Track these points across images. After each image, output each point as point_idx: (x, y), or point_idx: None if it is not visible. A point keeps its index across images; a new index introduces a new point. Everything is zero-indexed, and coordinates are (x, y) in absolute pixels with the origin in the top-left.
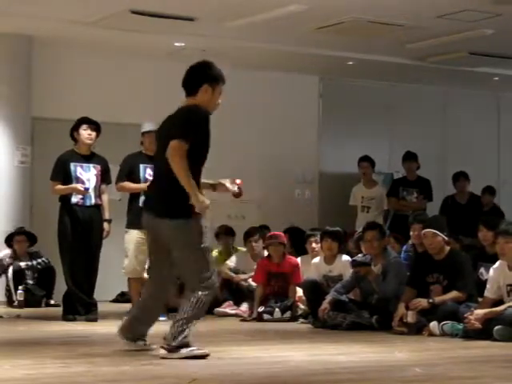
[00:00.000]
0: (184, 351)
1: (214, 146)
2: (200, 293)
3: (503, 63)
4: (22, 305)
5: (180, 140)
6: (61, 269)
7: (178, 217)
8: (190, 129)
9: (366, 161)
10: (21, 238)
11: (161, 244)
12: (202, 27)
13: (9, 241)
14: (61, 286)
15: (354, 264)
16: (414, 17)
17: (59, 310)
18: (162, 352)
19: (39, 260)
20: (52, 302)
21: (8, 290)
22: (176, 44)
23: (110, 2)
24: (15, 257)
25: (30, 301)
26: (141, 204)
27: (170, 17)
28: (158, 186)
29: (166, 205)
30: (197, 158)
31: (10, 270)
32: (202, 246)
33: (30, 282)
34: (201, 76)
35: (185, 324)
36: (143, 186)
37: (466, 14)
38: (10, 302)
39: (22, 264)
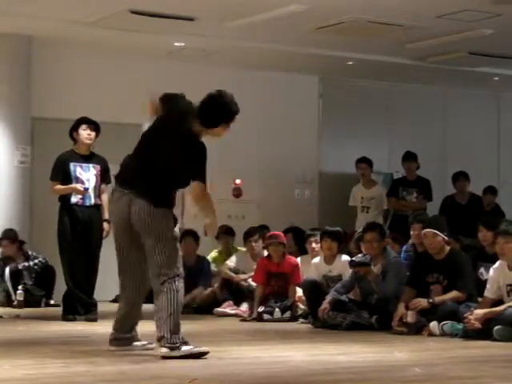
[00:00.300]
0: (185, 349)
1: (213, 146)
2: (176, 283)
3: (503, 63)
4: (21, 305)
5: (201, 183)
6: (60, 269)
7: (162, 206)
8: (204, 170)
9: (364, 162)
10: (7, 241)
11: (132, 231)
12: (201, 27)
13: None
14: (61, 286)
15: (353, 264)
16: (414, 17)
17: (59, 309)
18: (164, 351)
19: (36, 261)
20: (52, 302)
21: (6, 291)
22: (176, 44)
23: (109, 2)
24: (6, 259)
25: (29, 301)
26: None
27: (169, 17)
28: (152, 175)
29: (156, 193)
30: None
31: (7, 270)
32: (176, 236)
33: (29, 282)
34: (222, 116)
35: (177, 319)
36: None
37: (465, 14)
38: (8, 302)
39: (19, 265)
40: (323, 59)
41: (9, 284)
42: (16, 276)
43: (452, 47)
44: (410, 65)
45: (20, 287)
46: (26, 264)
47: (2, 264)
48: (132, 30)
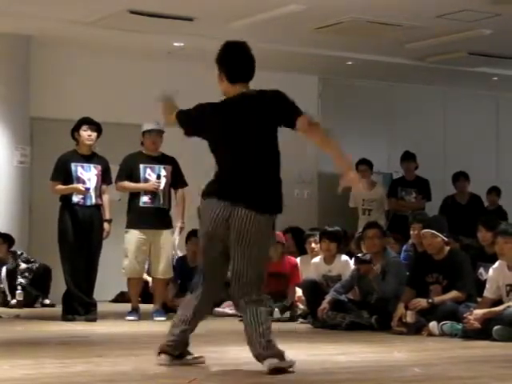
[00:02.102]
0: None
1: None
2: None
3: (502, 63)
4: (21, 305)
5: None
6: (56, 269)
7: (276, 212)
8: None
9: (364, 163)
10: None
11: (231, 239)
12: (201, 27)
13: None
14: (57, 286)
15: (357, 261)
16: (414, 17)
17: (57, 309)
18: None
19: (34, 265)
20: (47, 301)
21: (3, 292)
22: (175, 44)
23: (108, 2)
24: None
25: (25, 301)
26: (141, 204)
27: (168, 17)
28: (260, 177)
29: (269, 199)
30: None
31: (4, 270)
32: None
33: (24, 282)
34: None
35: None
36: (143, 185)
37: (465, 13)
38: (4, 302)
39: (14, 265)
40: (323, 59)
41: (5, 284)
42: (12, 276)
43: (451, 47)
44: (409, 65)
45: (19, 287)
46: (21, 264)
47: None
48: (131, 30)
